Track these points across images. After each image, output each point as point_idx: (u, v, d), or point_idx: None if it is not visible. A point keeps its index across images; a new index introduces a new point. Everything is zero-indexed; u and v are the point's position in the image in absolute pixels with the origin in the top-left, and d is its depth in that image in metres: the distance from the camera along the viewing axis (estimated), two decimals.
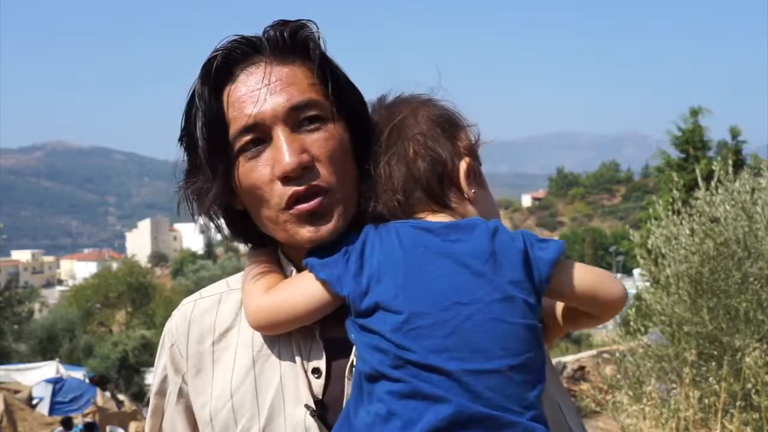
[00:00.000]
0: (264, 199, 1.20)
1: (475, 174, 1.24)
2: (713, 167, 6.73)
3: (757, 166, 6.92)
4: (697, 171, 7.03)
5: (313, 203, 1.17)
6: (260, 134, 1.19)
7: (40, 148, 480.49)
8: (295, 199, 1.18)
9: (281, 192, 1.18)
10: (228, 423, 1.21)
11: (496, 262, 1.10)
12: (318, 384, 1.19)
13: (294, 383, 1.19)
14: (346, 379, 1.17)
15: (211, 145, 1.21)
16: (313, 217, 1.18)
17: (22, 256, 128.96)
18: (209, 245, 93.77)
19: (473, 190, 1.22)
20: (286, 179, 1.17)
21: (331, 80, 1.21)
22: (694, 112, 20.90)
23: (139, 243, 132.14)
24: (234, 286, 1.33)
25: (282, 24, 1.23)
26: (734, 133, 22.05)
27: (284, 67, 1.21)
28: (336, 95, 1.21)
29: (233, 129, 1.20)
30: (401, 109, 1.25)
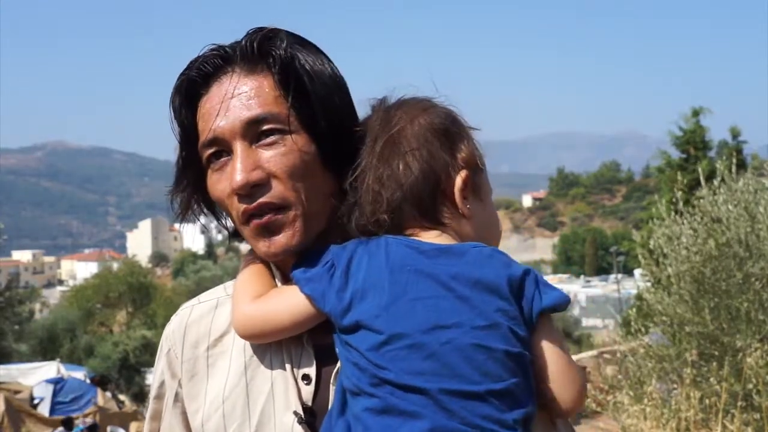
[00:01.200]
0: (229, 211, 1.23)
1: (473, 188, 1.20)
2: (715, 167, 6.74)
3: (760, 166, 6.92)
4: (700, 171, 7.02)
5: (265, 219, 1.18)
6: (222, 148, 1.20)
7: (40, 148, 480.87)
8: (249, 215, 1.19)
9: (237, 207, 1.20)
10: (218, 429, 1.21)
11: (484, 288, 1.08)
12: (307, 390, 1.19)
13: (284, 390, 1.19)
14: (331, 385, 1.18)
15: (184, 156, 1.25)
16: (266, 232, 1.19)
17: (22, 256, 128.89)
18: (210, 245, 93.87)
19: (468, 206, 1.18)
20: (239, 196, 1.18)
21: (296, 91, 1.18)
22: (696, 112, 20.88)
23: (139, 243, 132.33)
24: (231, 291, 1.33)
25: (254, 33, 1.22)
26: (734, 134, 22.06)
27: (251, 78, 1.20)
28: (302, 107, 1.19)
29: (200, 141, 1.22)
30: (399, 116, 1.20)
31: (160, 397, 1.33)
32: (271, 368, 1.22)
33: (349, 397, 1.09)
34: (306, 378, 1.20)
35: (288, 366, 1.21)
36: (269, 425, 1.17)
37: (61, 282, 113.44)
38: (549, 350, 1.12)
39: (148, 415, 1.35)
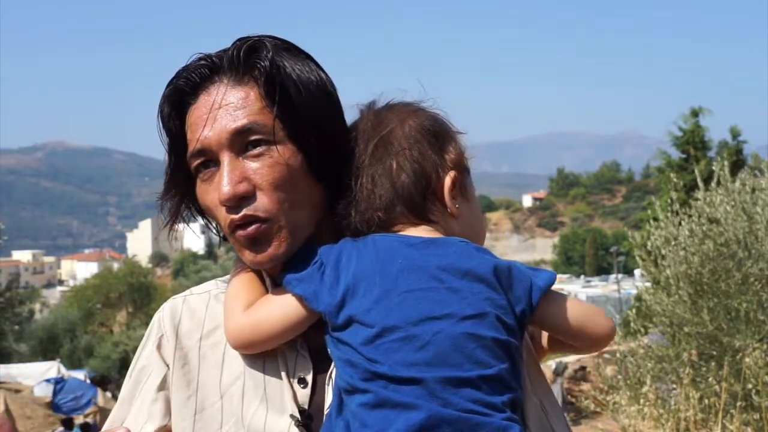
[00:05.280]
0: (218, 220, 1.25)
1: (461, 188, 1.23)
2: (713, 167, 6.74)
3: (757, 166, 6.92)
4: (696, 172, 7.02)
5: (249, 230, 1.19)
6: (209, 158, 1.21)
7: (41, 148, 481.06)
8: (235, 226, 1.20)
9: (225, 217, 1.21)
10: (212, 421, 1.21)
11: (474, 278, 1.11)
12: (304, 394, 1.20)
13: (279, 393, 1.20)
14: (327, 386, 1.18)
15: (173, 163, 1.27)
16: (252, 243, 1.20)
17: (22, 256, 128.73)
18: (210, 245, 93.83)
19: (457, 205, 1.21)
20: (226, 207, 1.19)
21: (282, 101, 1.19)
22: (695, 112, 20.91)
23: (139, 243, 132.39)
24: (223, 286, 1.34)
25: (241, 42, 1.23)
26: (734, 134, 22.06)
27: (238, 89, 1.20)
28: (288, 117, 1.19)
29: (188, 151, 1.23)
30: (389, 118, 1.23)
31: (139, 381, 1.29)
32: (266, 372, 1.22)
33: (344, 396, 1.10)
34: (302, 381, 1.20)
35: (284, 368, 1.21)
36: (265, 428, 1.17)
37: (61, 282, 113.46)
38: (569, 304, 1.20)
39: (120, 398, 1.30)
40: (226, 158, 1.19)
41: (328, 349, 1.15)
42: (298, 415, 1.17)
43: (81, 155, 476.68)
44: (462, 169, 1.24)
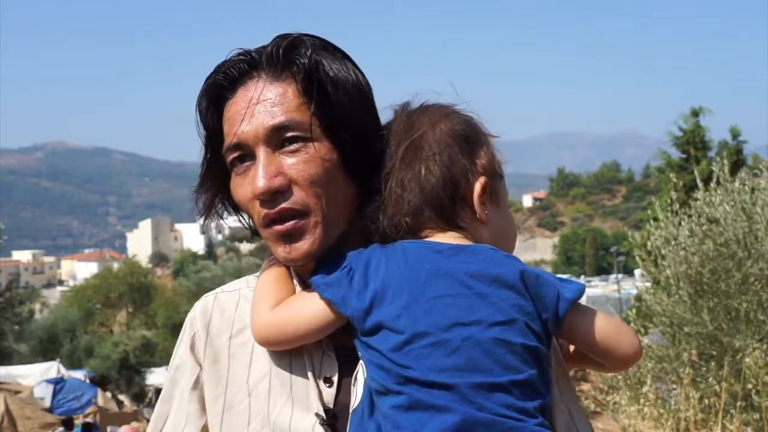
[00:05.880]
0: (250, 214, 1.26)
1: (491, 194, 1.22)
2: (713, 167, 6.76)
3: (757, 166, 6.93)
4: (696, 172, 7.03)
5: (287, 225, 1.20)
6: (245, 152, 1.22)
7: (40, 148, 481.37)
8: (269, 220, 1.21)
9: (259, 211, 1.22)
10: (239, 419, 1.22)
11: (502, 284, 1.11)
12: (329, 393, 1.21)
13: (305, 391, 1.21)
14: (352, 387, 1.19)
15: (208, 157, 1.28)
16: (287, 238, 1.21)
17: (22, 256, 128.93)
18: (210, 245, 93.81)
19: (486, 212, 1.20)
20: (260, 201, 1.20)
21: (319, 99, 1.20)
22: (695, 112, 20.90)
23: (139, 243, 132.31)
24: (253, 285, 1.35)
25: (280, 39, 1.24)
26: (734, 134, 22.03)
27: (276, 85, 1.22)
28: (325, 114, 1.20)
29: (225, 145, 1.24)
30: (421, 121, 1.22)
31: (175, 380, 1.32)
32: (293, 368, 1.23)
33: (375, 397, 1.10)
34: (328, 381, 1.22)
35: (310, 368, 1.22)
36: (289, 426, 1.18)
37: (61, 282, 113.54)
38: (598, 319, 1.18)
39: (161, 397, 1.33)
40: (262, 153, 1.20)
41: (359, 352, 1.16)
42: (323, 414, 1.18)
43: (81, 155, 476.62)
44: (493, 174, 1.23)
